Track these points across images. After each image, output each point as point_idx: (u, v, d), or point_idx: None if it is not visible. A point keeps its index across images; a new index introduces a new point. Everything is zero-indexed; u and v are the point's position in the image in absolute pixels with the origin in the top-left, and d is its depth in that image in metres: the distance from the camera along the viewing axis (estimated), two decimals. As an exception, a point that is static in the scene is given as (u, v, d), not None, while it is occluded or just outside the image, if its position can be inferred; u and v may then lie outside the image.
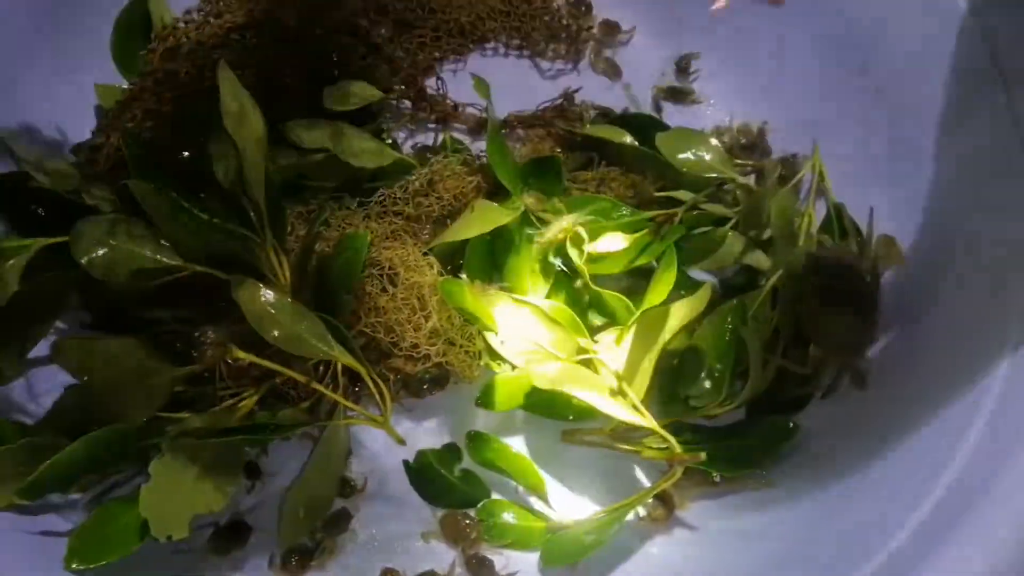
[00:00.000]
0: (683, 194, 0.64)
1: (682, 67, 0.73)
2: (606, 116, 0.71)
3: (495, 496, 0.58)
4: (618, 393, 0.55)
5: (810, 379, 0.59)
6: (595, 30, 0.76)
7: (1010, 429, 0.42)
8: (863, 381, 0.57)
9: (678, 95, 0.72)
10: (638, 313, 0.56)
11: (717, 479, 0.57)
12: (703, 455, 0.52)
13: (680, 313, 0.54)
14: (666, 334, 0.54)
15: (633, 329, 0.55)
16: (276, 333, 0.51)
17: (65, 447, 0.46)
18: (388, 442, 0.57)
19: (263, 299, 0.52)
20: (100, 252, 0.53)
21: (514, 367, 0.58)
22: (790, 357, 0.58)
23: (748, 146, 0.68)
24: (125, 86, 0.66)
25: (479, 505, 0.57)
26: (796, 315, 0.58)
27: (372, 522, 0.57)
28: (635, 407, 0.54)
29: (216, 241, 0.53)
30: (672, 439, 0.53)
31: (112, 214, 0.54)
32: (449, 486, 0.57)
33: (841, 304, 0.57)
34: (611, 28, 0.76)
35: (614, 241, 0.58)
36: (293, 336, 0.52)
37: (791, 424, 0.56)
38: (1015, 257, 0.48)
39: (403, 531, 0.57)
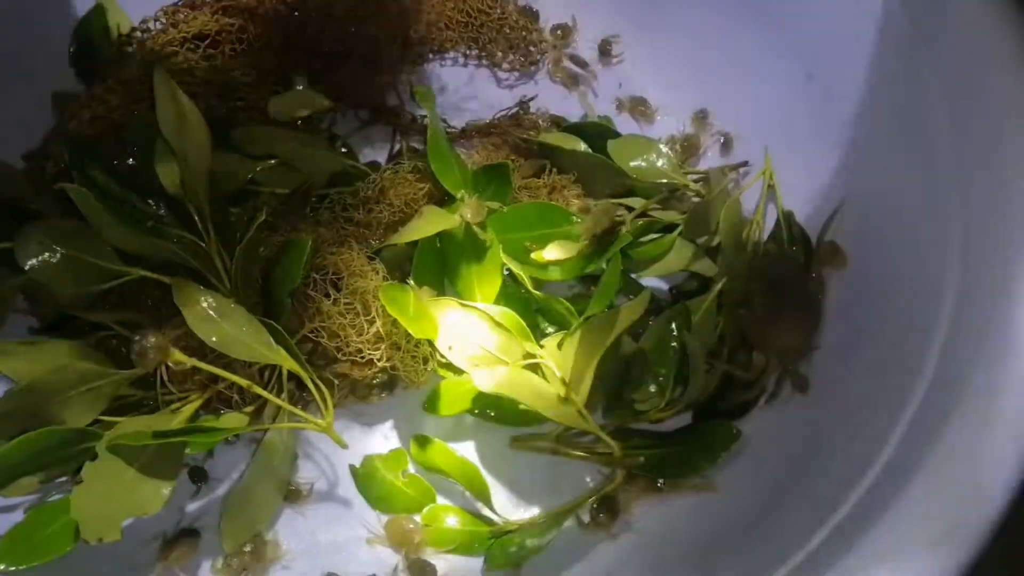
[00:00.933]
0: (634, 201, 0.64)
1: (604, 50, 0.75)
2: (559, 125, 0.71)
3: (441, 501, 0.58)
4: (564, 398, 0.55)
5: (754, 384, 0.59)
6: (548, 37, 0.77)
7: (936, 415, 0.43)
8: (805, 385, 0.57)
9: (636, 106, 0.73)
10: (582, 319, 0.56)
11: (661, 484, 0.57)
12: (641, 458, 0.52)
13: (622, 318, 0.54)
14: (609, 339, 0.54)
15: (577, 334, 0.55)
16: (216, 337, 0.52)
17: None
18: (336, 448, 0.58)
19: (204, 303, 0.52)
20: (44, 257, 0.53)
21: (460, 372, 0.58)
22: (735, 362, 0.59)
23: (694, 153, 0.69)
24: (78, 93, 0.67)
25: (424, 510, 0.57)
26: (740, 320, 0.59)
27: (318, 527, 0.57)
28: (579, 412, 0.55)
29: (156, 245, 0.53)
30: (613, 443, 0.54)
31: (55, 219, 0.54)
32: (394, 491, 0.57)
33: (783, 308, 0.57)
34: (565, 32, 0.77)
35: (561, 249, 0.59)
36: (234, 340, 0.52)
37: (734, 430, 0.57)
38: (947, 256, 0.48)
39: (348, 536, 0.57)
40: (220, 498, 0.57)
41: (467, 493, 0.58)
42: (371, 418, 0.61)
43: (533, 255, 0.59)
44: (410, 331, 0.54)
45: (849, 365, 0.54)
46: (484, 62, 0.78)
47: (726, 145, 0.71)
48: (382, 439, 0.61)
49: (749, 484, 0.55)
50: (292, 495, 0.57)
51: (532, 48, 0.78)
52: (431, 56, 0.78)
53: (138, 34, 0.67)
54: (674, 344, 0.58)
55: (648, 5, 0.75)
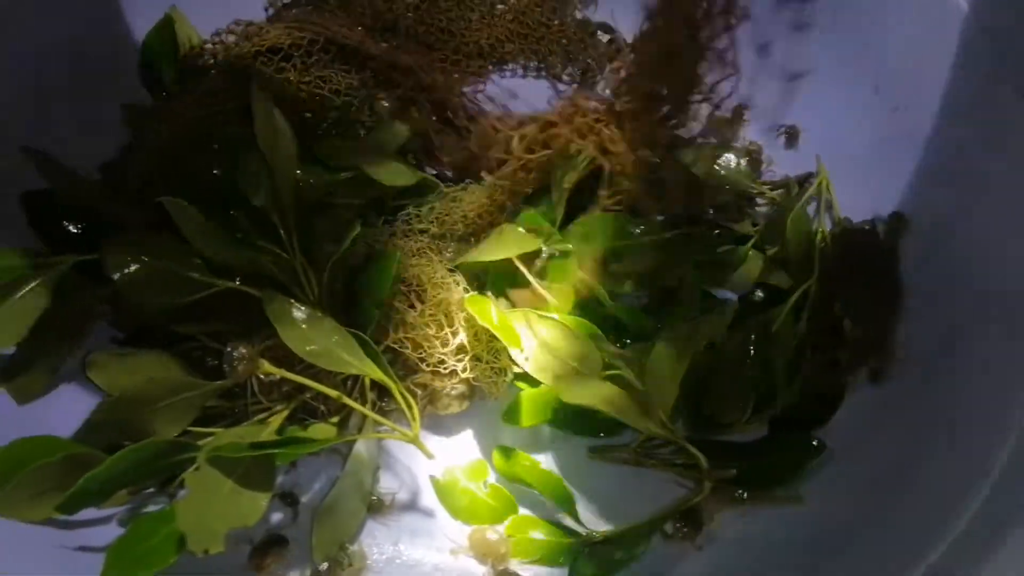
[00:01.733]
0: (706, 212, 0.65)
1: None
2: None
3: (523, 512, 0.58)
4: (647, 409, 0.55)
5: (833, 393, 0.59)
6: (605, 48, 0.78)
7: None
8: (880, 374, 0.57)
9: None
10: (664, 330, 0.56)
11: (742, 495, 0.57)
12: (733, 472, 0.52)
13: (706, 331, 0.54)
14: (693, 351, 0.54)
15: (660, 346, 0.56)
16: (308, 348, 0.52)
17: (101, 461, 0.46)
18: (416, 458, 0.58)
19: (295, 314, 0.52)
20: (132, 268, 0.53)
21: (539, 383, 0.58)
22: (815, 371, 0.59)
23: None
24: (152, 105, 0.67)
25: (507, 521, 0.57)
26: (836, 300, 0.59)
27: (401, 537, 0.57)
28: (663, 423, 0.55)
29: (246, 257, 0.54)
30: (700, 456, 0.54)
31: (143, 231, 0.54)
32: (477, 502, 0.57)
33: (867, 278, 0.58)
34: (618, 44, 0.77)
35: (636, 259, 0.59)
36: (324, 351, 0.52)
37: (815, 442, 0.57)
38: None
39: (432, 546, 0.57)
40: (302, 507, 0.57)
41: (548, 503, 0.58)
42: (448, 429, 0.61)
43: (613, 266, 0.59)
44: (503, 340, 0.54)
45: (941, 375, 0.54)
46: (543, 74, 0.78)
47: (791, 139, 0.71)
48: (460, 450, 0.61)
49: (839, 495, 0.55)
50: (374, 505, 0.57)
51: (590, 60, 0.78)
52: (491, 68, 0.78)
53: (210, 47, 0.68)
54: (753, 355, 0.58)
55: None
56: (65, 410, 0.55)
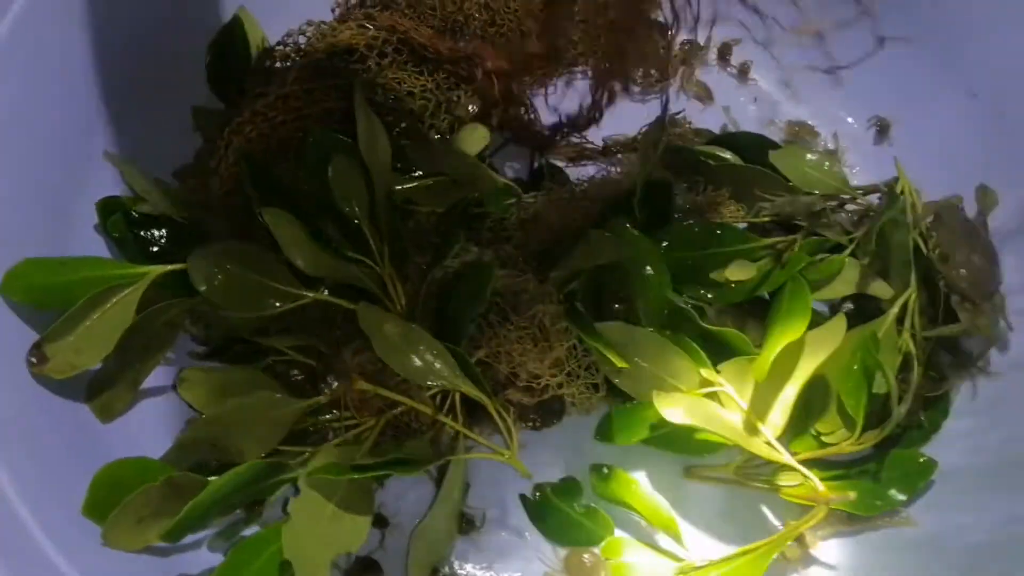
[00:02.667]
0: (799, 220, 0.62)
1: (724, 55, 0.73)
2: (699, 136, 0.69)
3: (619, 533, 0.55)
4: (751, 429, 0.53)
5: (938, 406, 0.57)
6: (678, 51, 0.76)
7: None
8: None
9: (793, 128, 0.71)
10: (772, 346, 0.54)
11: (850, 517, 0.55)
12: (852, 494, 0.50)
13: (818, 346, 0.52)
14: (802, 368, 0.52)
15: (763, 362, 0.53)
16: (403, 362, 0.50)
17: (202, 485, 0.44)
18: (504, 475, 0.56)
19: (389, 328, 0.50)
20: (220, 279, 0.51)
21: (632, 399, 0.56)
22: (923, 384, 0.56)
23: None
24: (220, 109, 0.65)
25: (603, 543, 0.55)
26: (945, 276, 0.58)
27: (493, 559, 0.55)
28: (769, 443, 0.53)
29: (338, 268, 0.51)
30: (815, 479, 0.51)
31: (229, 240, 0.52)
32: (571, 522, 0.55)
33: (977, 247, 0.57)
34: (694, 47, 0.75)
35: (742, 269, 0.57)
36: (420, 366, 0.50)
37: (924, 459, 0.55)
38: None
39: (526, 569, 0.55)
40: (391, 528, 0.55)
41: (645, 525, 0.56)
42: (535, 447, 0.59)
43: (713, 275, 0.57)
44: (599, 354, 0.52)
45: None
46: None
47: (881, 132, 0.68)
48: (548, 468, 0.58)
49: (952, 517, 0.52)
50: (465, 526, 0.55)
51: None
52: (560, 71, 0.76)
53: (281, 48, 0.65)
54: (858, 369, 0.56)
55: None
56: (143, 428, 0.54)
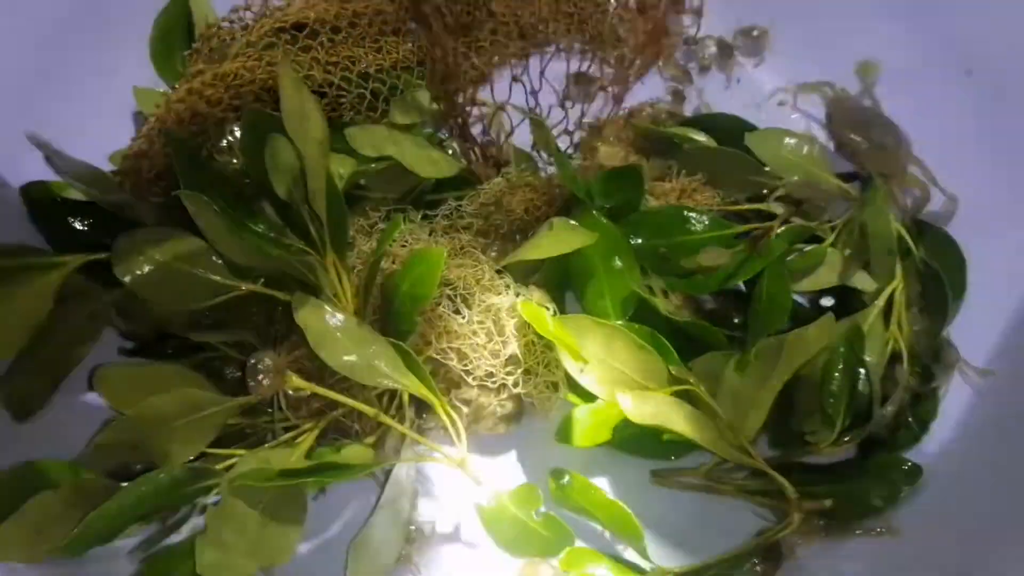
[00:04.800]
0: (776, 206, 0.58)
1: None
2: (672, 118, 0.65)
3: (579, 544, 0.51)
4: (722, 431, 0.49)
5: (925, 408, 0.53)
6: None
7: None
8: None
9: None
10: (753, 340, 0.50)
11: (829, 525, 0.51)
12: (828, 503, 0.46)
13: (804, 346, 0.48)
14: (784, 369, 0.48)
15: (745, 362, 0.49)
16: (343, 359, 0.46)
17: (111, 491, 0.40)
18: (457, 482, 0.52)
19: (329, 321, 0.46)
20: (146, 270, 0.47)
21: (595, 399, 0.52)
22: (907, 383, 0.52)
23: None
24: (163, 90, 0.61)
25: (562, 554, 0.51)
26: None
27: (443, 572, 0.51)
28: (742, 446, 0.49)
29: (273, 257, 0.47)
30: (787, 485, 0.47)
31: (159, 228, 0.48)
32: (528, 532, 0.51)
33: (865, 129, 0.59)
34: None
35: (715, 255, 0.52)
36: (361, 363, 0.46)
37: (909, 465, 0.51)
38: None
39: (478, 582, 0.51)
40: (331, 535, 0.51)
41: (607, 534, 0.52)
42: (493, 450, 0.55)
43: (683, 261, 0.53)
44: (561, 350, 0.48)
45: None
46: (587, 56, 0.72)
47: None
48: (507, 473, 0.55)
49: (936, 525, 0.48)
50: (413, 536, 0.51)
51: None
52: (532, 51, 0.72)
53: (226, 25, 0.61)
54: (842, 366, 0.52)
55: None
56: (66, 429, 0.50)
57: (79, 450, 0.48)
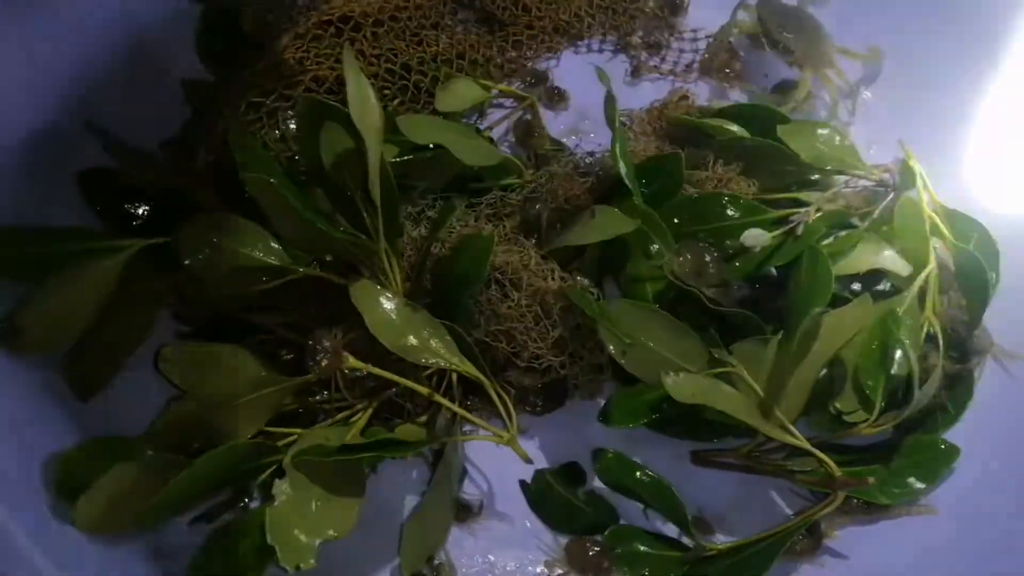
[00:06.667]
0: (808, 195, 0.60)
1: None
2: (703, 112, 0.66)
3: (623, 521, 0.53)
4: (765, 410, 0.50)
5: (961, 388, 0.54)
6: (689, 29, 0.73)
7: None
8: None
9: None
10: (796, 320, 0.51)
11: (860, 504, 0.52)
12: (871, 479, 0.47)
13: (843, 327, 0.49)
14: (827, 349, 0.49)
15: (788, 343, 0.50)
16: (399, 341, 0.47)
17: (180, 467, 0.41)
18: (503, 461, 0.53)
19: (384, 304, 0.48)
20: (206, 253, 0.48)
21: (637, 380, 0.54)
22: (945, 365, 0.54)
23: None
24: (212, 81, 0.62)
25: (606, 531, 0.52)
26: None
27: (491, 547, 0.53)
28: (783, 426, 0.50)
29: (331, 241, 0.49)
30: (831, 463, 0.49)
31: (217, 212, 0.50)
32: (573, 510, 0.53)
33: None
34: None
35: (757, 235, 0.54)
36: (416, 344, 0.48)
37: (946, 445, 0.52)
38: None
39: (524, 558, 0.52)
40: (382, 511, 0.52)
41: (651, 512, 0.53)
42: (535, 430, 0.56)
43: (728, 242, 0.54)
44: (605, 333, 0.49)
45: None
46: (620, 50, 0.73)
47: None
48: (548, 453, 0.56)
49: (971, 506, 0.50)
50: (461, 513, 0.53)
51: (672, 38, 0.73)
52: (565, 44, 0.73)
53: (272, 18, 0.63)
54: (876, 348, 0.53)
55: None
56: (128, 408, 0.51)
57: (134, 429, 0.49)
